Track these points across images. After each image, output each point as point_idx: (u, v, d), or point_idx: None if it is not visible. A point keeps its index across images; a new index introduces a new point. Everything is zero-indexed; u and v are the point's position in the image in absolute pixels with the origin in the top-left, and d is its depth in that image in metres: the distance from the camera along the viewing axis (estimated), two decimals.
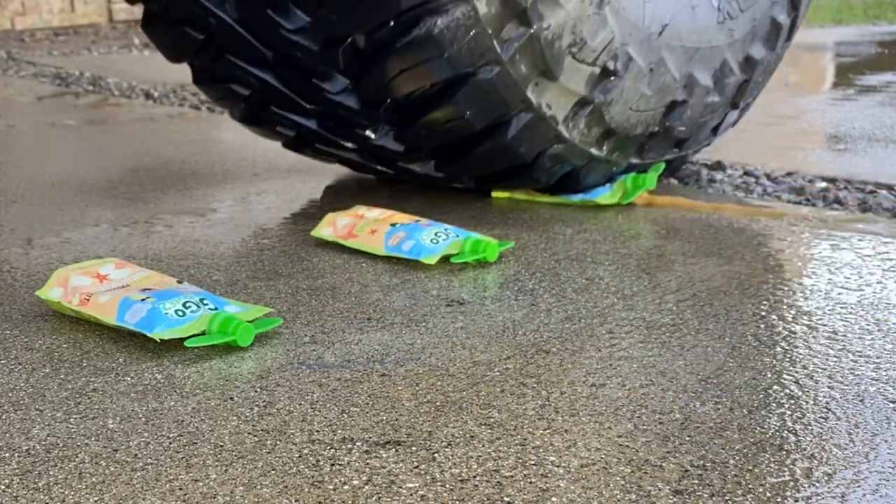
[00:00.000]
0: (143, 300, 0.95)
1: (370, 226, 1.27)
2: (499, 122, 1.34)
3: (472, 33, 1.22)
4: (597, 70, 1.34)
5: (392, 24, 1.22)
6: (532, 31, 1.25)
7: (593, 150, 1.45)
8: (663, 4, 1.43)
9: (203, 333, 0.92)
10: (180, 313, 0.93)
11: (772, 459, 0.68)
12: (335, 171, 1.76)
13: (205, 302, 0.95)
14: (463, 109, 1.30)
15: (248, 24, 1.31)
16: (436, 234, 1.24)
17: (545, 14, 1.25)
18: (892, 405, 0.77)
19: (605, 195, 1.58)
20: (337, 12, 1.24)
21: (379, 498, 0.64)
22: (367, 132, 1.39)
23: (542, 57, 1.28)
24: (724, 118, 1.67)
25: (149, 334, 0.91)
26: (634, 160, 1.54)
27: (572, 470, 0.67)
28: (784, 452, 0.69)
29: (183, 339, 0.91)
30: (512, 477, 0.66)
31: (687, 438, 0.71)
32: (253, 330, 0.93)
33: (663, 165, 1.68)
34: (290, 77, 1.37)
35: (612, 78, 1.36)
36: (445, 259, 1.24)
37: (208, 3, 1.31)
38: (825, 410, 0.76)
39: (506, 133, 1.35)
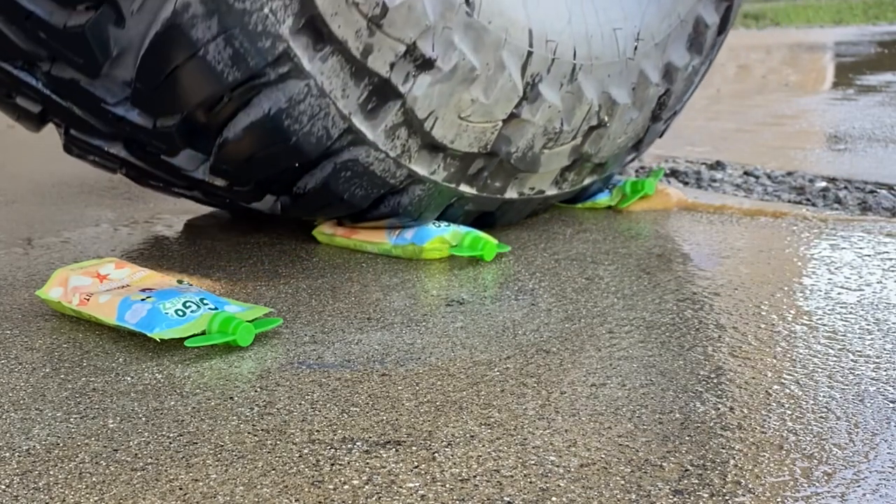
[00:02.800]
0: (143, 300, 0.95)
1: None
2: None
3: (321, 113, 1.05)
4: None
5: (224, 100, 1.02)
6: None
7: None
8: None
9: (203, 333, 0.92)
10: (180, 313, 0.93)
11: (772, 459, 0.68)
12: None
13: (205, 302, 0.95)
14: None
15: (72, 98, 1.08)
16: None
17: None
18: (892, 405, 0.77)
19: (604, 199, 1.58)
20: (150, 87, 1.01)
21: (379, 498, 0.64)
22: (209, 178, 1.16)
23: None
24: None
25: (149, 334, 0.91)
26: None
27: (572, 470, 0.67)
28: (784, 452, 0.69)
29: (183, 339, 0.91)
30: (512, 477, 0.66)
31: (687, 438, 0.71)
32: (253, 330, 0.93)
33: (662, 171, 1.68)
34: (140, 154, 1.15)
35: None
36: (445, 259, 1.24)
37: (31, 80, 1.07)
38: (825, 410, 0.76)
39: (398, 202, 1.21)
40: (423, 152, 1.17)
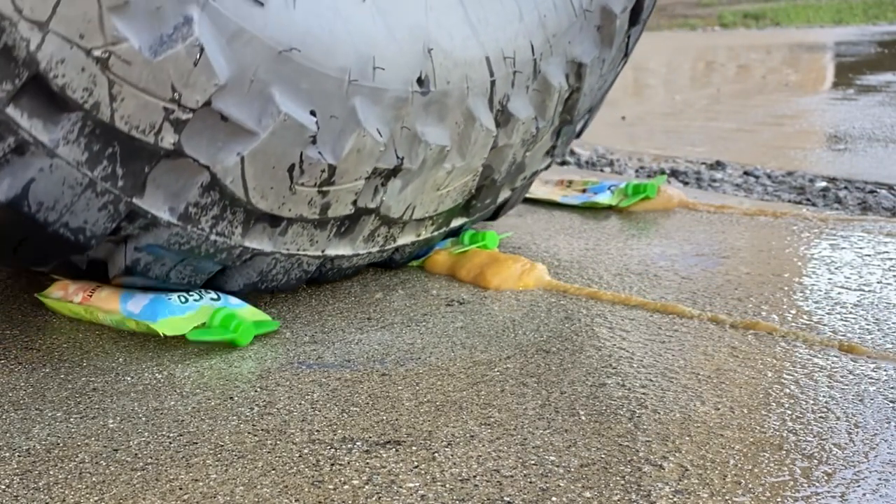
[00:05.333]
0: (144, 291, 0.95)
1: None
2: None
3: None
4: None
5: None
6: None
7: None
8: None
9: (203, 325, 0.92)
10: (183, 300, 0.93)
11: (772, 459, 0.68)
12: None
13: (207, 291, 0.96)
14: None
15: None
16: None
17: None
18: (891, 405, 0.77)
19: (605, 199, 1.58)
20: None
21: (379, 498, 0.64)
22: None
23: None
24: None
25: (152, 324, 0.90)
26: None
27: (572, 470, 0.67)
28: (784, 452, 0.69)
29: (183, 336, 0.91)
30: (512, 477, 0.66)
31: (687, 438, 0.71)
32: (253, 330, 0.93)
33: (665, 177, 1.68)
34: None
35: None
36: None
37: None
38: (825, 410, 0.76)
39: None
40: (407, 232, 1.13)
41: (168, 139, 0.81)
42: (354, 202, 0.99)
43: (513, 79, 1.13)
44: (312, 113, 0.89)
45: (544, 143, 1.29)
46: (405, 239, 1.14)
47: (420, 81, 0.99)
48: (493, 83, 1.10)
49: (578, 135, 1.42)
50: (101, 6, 0.73)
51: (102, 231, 0.84)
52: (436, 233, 1.20)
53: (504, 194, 1.31)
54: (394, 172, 1.01)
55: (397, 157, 1.00)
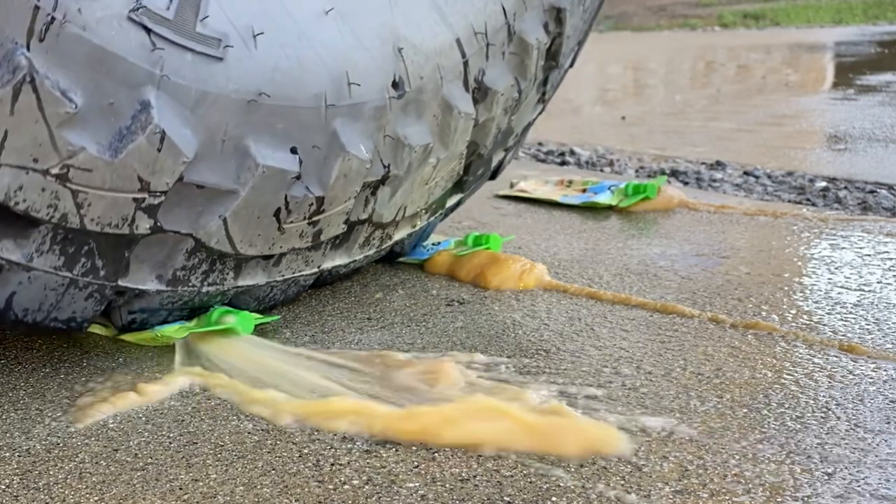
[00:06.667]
0: None
1: None
2: None
3: None
4: None
5: None
6: None
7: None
8: None
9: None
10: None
11: (772, 459, 0.68)
12: None
13: None
14: None
15: None
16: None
17: None
18: (891, 405, 0.77)
19: (605, 199, 1.58)
20: None
21: (379, 498, 0.64)
22: None
23: None
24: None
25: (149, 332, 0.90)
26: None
27: (572, 470, 0.67)
28: (784, 452, 0.69)
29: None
30: (512, 477, 0.66)
31: (687, 438, 0.71)
32: (253, 319, 0.92)
33: (665, 178, 1.68)
34: None
35: None
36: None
37: None
38: (825, 410, 0.76)
39: None
40: (402, 228, 1.12)
41: (144, 225, 0.79)
42: (346, 220, 0.97)
43: (486, 52, 1.08)
44: (293, 150, 0.86)
45: (530, 99, 1.23)
46: (401, 234, 1.13)
47: (395, 85, 0.95)
48: (465, 64, 1.05)
49: (571, 65, 1.35)
50: (49, 126, 0.69)
51: (93, 314, 0.83)
52: (432, 218, 1.18)
53: (497, 158, 1.27)
54: (382, 181, 0.98)
55: (384, 167, 0.97)
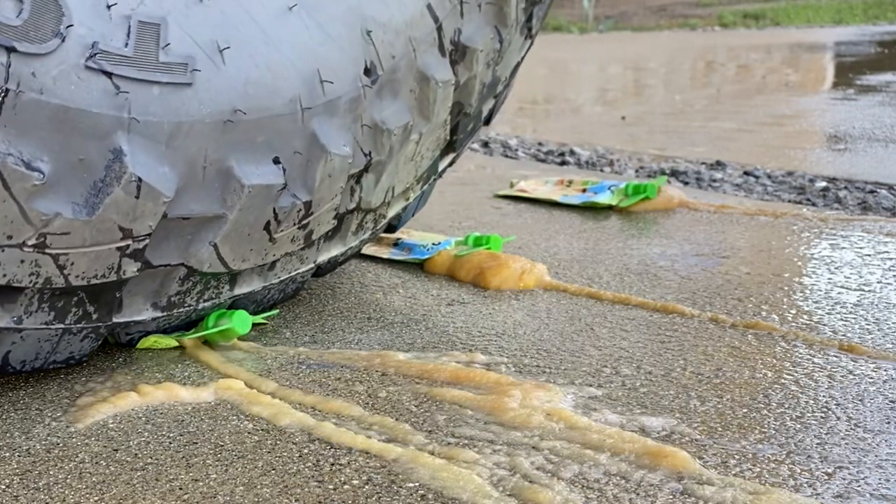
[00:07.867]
0: None
1: None
2: None
3: None
4: None
5: None
6: None
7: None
8: None
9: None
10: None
11: (772, 459, 0.68)
12: None
13: None
14: None
15: None
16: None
17: None
18: (891, 405, 0.77)
19: (605, 199, 1.58)
20: None
21: (379, 498, 0.64)
22: None
23: None
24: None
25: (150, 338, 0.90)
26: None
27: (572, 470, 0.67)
28: (784, 452, 0.69)
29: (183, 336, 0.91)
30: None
31: (687, 438, 0.71)
32: (250, 319, 0.92)
33: (665, 178, 1.68)
34: None
35: None
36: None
37: None
38: (825, 410, 0.76)
39: None
40: (395, 205, 1.10)
41: (131, 269, 0.78)
42: (336, 215, 0.96)
43: (461, 9, 1.02)
44: (276, 160, 0.84)
45: (515, 43, 1.15)
46: (395, 211, 1.10)
47: (367, 72, 0.91)
48: (439, 28, 0.99)
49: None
50: (18, 202, 0.68)
51: (91, 349, 0.84)
52: (426, 186, 1.15)
53: (487, 107, 1.20)
54: (365, 170, 0.96)
55: (365, 156, 0.94)
